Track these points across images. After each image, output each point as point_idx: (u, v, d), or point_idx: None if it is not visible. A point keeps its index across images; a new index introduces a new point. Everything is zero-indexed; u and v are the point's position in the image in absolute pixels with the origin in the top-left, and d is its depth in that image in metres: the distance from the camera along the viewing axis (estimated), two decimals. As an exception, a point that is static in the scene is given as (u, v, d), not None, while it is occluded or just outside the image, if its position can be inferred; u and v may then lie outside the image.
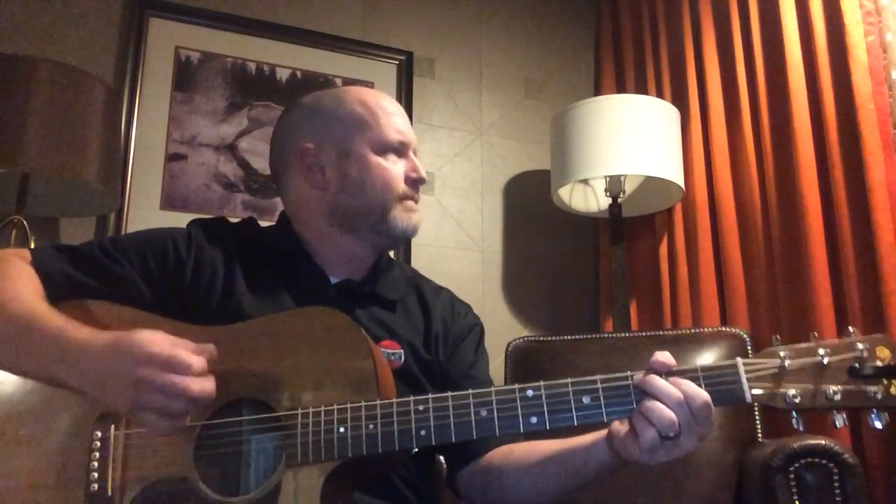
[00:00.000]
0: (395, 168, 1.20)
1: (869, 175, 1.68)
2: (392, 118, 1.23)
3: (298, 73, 2.41)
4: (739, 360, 0.89)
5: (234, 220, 1.27)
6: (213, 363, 0.93)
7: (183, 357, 0.89)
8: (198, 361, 0.90)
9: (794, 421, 0.87)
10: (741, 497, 1.68)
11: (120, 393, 0.90)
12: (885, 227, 1.64)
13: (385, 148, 1.21)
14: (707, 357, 1.83)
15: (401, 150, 1.22)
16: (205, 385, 0.90)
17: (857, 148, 1.72)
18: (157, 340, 0.90)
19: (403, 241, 1.26)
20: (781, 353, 0.88)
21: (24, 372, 1.00)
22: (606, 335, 2.09)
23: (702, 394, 0.87)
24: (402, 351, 1.16)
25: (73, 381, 0.95)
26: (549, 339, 2.06)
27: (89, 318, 1.04)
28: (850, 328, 0.90)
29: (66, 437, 0.96)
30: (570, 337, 2.03)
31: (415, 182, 1.22)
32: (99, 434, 0.96)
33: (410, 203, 1.21)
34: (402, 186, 1.20)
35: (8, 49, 1.99)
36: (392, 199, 1.19)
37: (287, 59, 2.41)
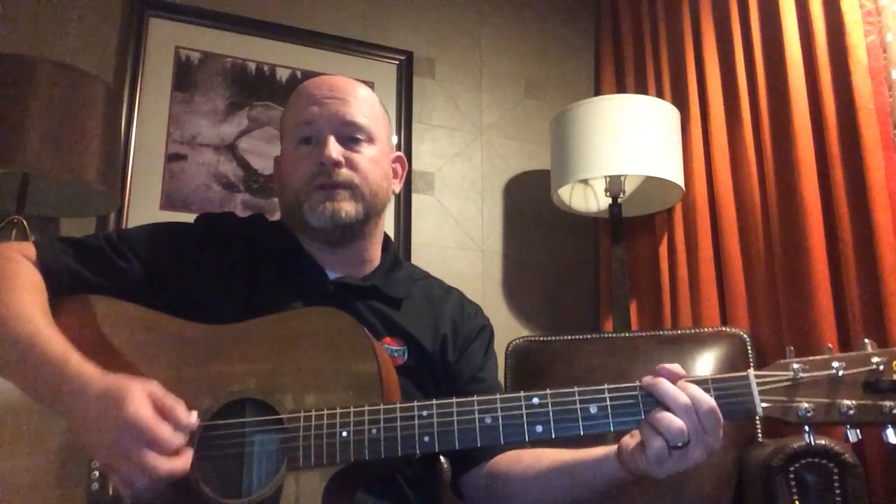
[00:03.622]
0: (309, 157, 1.14)
1: (869, 175, 1.68)
2: (304, 103, 1.17)
3: (298, 73, 2.41)
4: (751, 373, 0.88)
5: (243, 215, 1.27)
6: (217, 363, 0.92)
7: (162, 435, 0.85)
8: (176, 440, 0.86)
9: (806, 435, 0.86)
10: (741, 497, 1.68)
11: (98, 447, 0.89)
12: (885, 227, 1.64)
13: (295, 138, 1.17)
14: (707, 357, 1.83)
15: (311, 137, 1.16)
16: (174, 466, 0.86)
17: (857, 148, 1.72)
18: (143, 407, 0.85)
19: (337, 229, 1.14)
20: (794, 366, 0.86)
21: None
22: (606, 335, 2.09)
23: (708, 399, 0.85)
24: (404, 347, 1.15)
25: (64, 417, 0.94)
26: (549, 339, 2.05)
27: (92, 316, 1.04)
28: (866, 340, 0.87)
29: (66, 436, 0.96)
30: (570, 337, 2.03)
31: (323, 166, 1.12)
32: (100, 434, 0.96)
33: (324, 190, 1.13)
34: (310, 174, 1.13)
35: (8, 49, 1.99)
36: (302, 189, 1.14)
37: (287, 59, 2.40)
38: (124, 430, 0.85)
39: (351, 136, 1.16)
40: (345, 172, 1.14)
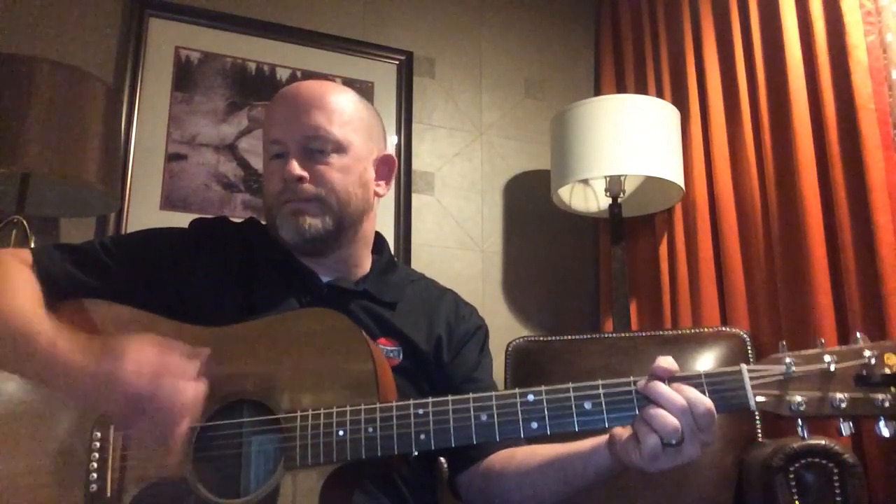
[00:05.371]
0: (277, 173, 1.14)
1: (869, 175, 1.68)
2: (273, 118, 1.17)
3: (298, 73, 2.41)
4: (744, 367, 0.88)
5: (236, 219, 1.26)
6: (213, 365, 0.93)
7: (174, 368, 0.88)
8: (190, 368, 0.90)
9: (799, 429, 0.86)
10: (741, 497, 1.68)
11: (112, 402, 0.91)
12: (885, 227, 1.64)
13: (268, 154, 1.17)
14: (707, 357, 1.83)
15: (281, 151, 1.15)
16: (195, 396, 0.89)
17: (857, 148, 1.72)
18: (147, 350, 0.89)
19: (307, 243, 1.14)
20: (787, 360, 0.86)
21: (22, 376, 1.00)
22: (606, 335, 2.08)
23: (705, 401, 0.85)
24: (399, 348, 1.15)
25: (67, 394, 0.96)
26: (549, 339, 2.05)
27: (89, 318, 1.04)
28: (858, 334, 0.87)
29: (65, 438, 0.96)
30: (570, 337, 2.03)
31: (287, 183, 1.12)
32: (99, 434, 0.96)
33: (290, 205, 1.13)
34: (278, 191, 1.13)
35: (8, 49, 1.99)
36: (274, 205, 1.15)
37: (287, 59, 2.41)
38: (135, 375, 0.88)
39: (317, 148, 1.14)
40: (308, 188, 1.13)
